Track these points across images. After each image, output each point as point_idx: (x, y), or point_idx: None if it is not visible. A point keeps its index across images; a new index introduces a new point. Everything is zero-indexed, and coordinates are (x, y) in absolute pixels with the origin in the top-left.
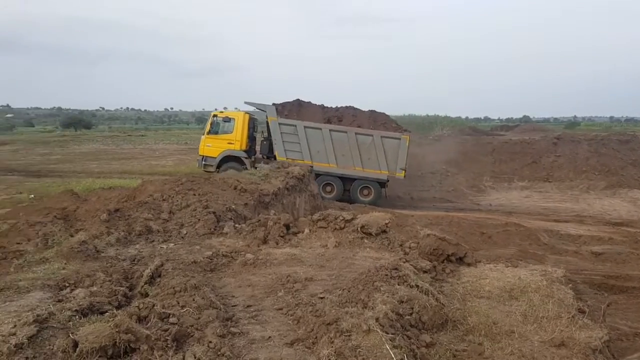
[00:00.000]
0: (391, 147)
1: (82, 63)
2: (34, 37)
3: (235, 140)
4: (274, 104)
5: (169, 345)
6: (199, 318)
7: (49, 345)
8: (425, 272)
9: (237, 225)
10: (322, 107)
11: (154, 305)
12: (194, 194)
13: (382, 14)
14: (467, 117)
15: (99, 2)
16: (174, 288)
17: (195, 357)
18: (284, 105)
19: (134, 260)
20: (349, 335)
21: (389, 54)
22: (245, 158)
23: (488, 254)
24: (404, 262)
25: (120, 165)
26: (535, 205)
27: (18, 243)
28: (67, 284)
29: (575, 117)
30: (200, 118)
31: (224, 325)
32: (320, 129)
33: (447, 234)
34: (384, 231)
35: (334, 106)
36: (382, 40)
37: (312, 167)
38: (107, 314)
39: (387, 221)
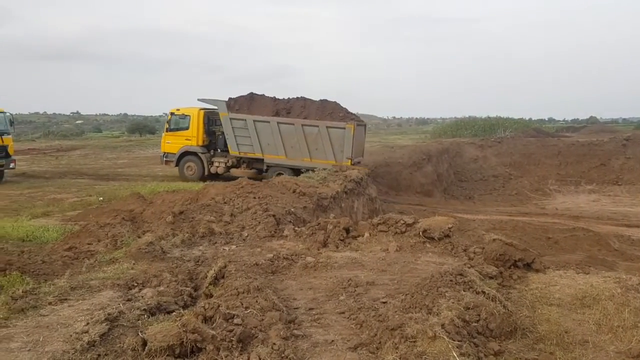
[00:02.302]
0: (337, 137)
1: (145, 71)
2: (101, 46)
3: (192, 137)
4: (230, 99)
5: (234, 346)
6: (262, 319)
7: (119, 343)
8: (491, 278)
9: (296, 228)
10: (274, 99)
11: (219, 306)
12: (254, 197)
13: (438, 15)
14: (530, 119)
15: (159, 13)
16: (237, 289)
17: (259, 359)
18: (236, 99)
19: (198, 261)
20: (414, 342)
21: (445, 55)
22: (202, 153)
23: (555, 260)
24: (469, 268)
25: None
26: (604, 209)
27: (89, 243)
28: (135, 284)
29: None
30: None
31: (287, 327)
32: (269, 122)
33: (511, 239)
34: (447, 236)
35: (285, 98)
36: (438, 41)
37: (263, 159)
38: (174, 313)
39: (450, 225)
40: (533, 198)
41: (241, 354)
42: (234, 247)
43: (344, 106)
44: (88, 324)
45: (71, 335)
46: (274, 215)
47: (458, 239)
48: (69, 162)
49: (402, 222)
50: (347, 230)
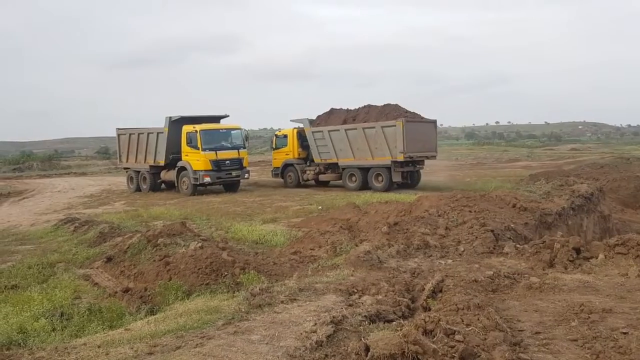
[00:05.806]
0: (390, 134)
1: (357, 85)
2: (319, 65)
3: (289, 151)
4: (318, 116)
5: None
6: (485, 339)
7: (344, 345)
8: None
9: (518, 245)
10: (346, 110)
11: (439, 320)
12: (470, 211)
13: None
14: None
15: (370, 29)
16: (456, 305)
17: None
18: (318, 116)
19: (414, 273)
20: None
21: None
22: (297, 164)
23: None
24: None
25: None
26: None
27: (311, 249)
28: (355, 290)
29: None
30: (470, 134)
31: (512, 349)
32: (339, 129)
33: None
34: None
35: (354, 108)
36: None
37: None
38: (393, 323)
39: None
40: None
41: None
42: (450, 261)
43: (403, 107)
44: (316, 324)
45: (301, 334)
46: (492, 231)
47: None
48: None
49: None
50: (578, 251)
